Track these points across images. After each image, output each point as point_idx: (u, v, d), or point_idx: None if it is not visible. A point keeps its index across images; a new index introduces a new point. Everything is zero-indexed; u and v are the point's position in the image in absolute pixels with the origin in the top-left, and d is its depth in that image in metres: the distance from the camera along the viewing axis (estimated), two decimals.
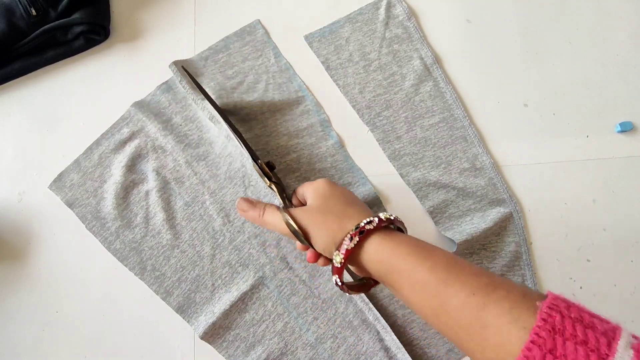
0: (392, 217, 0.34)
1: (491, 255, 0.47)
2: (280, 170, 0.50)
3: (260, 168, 0.43)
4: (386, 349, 0.45)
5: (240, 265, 0.48)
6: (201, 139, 0.52)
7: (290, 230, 0.35)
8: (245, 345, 0.46)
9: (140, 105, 0.53)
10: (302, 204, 0.40)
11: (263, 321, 0.47)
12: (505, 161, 0.50)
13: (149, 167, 0.51)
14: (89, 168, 0.52)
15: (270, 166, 0.44)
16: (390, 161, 0.50)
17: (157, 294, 0.48)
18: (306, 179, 0.50)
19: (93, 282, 0.49)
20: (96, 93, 0.55)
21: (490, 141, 0.51)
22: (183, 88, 0.51)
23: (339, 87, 0.53)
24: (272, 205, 0.39)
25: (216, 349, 0.47)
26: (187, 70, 0.52)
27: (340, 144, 0.51)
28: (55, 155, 0.53)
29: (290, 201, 0.42)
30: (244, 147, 0.45)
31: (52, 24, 0.53)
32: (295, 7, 0.57)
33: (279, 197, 0.41)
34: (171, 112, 0.53)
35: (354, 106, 0.52)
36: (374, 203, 0.50)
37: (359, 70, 0.53)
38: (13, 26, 0.53)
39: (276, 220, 0.37)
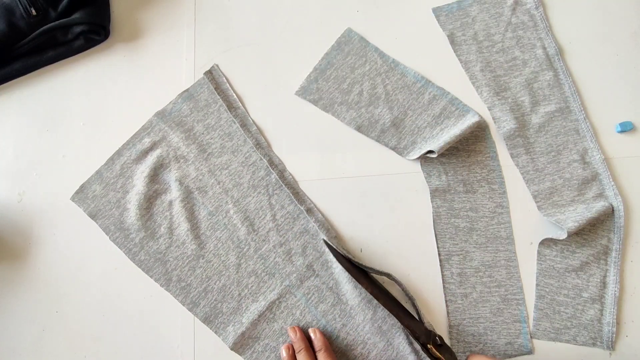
0: None
1: (581, 241, 0.47)
2: (445, 161, 0.50)
3: (430, 353, 0.41)
4: (416, 352, 0.45)
5: (266, 274, 0.48)
6: (223, 147, 0.52)
7: None
8: (275, 355, 0.46)
9: (161, 114, 0.53)
10: None
11: None
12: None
13: (171, 176, 0.51)
14: (111, 179, 0.51)
15: (438, 345, 0.41)
16: (504, 140, 0.51)
17: (184, 305, 0.48)
18: (465, 160, 0.50)
19: (93, 282, 0.49)
20: (96, 93, 0.55)
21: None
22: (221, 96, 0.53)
23: (460, 63, 0.54)
24: None
25: None
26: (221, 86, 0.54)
27: (479, 115, 0.51)
28: (55, 155, 0.53)
29: None
30: (405, 329, 0.43)
31: (52, 24, 0.53)
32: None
33: None
34: (192, 121, 0.53)
35: (473, 83, 0.53)
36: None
37: (482, 49, 0.54)
38: (13, 26, 0.53)
39: None
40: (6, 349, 0.48)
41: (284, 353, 0.44)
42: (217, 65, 0.55)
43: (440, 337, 0.42)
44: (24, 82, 0.56)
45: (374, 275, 0.47)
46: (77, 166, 0.53)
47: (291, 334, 0.45)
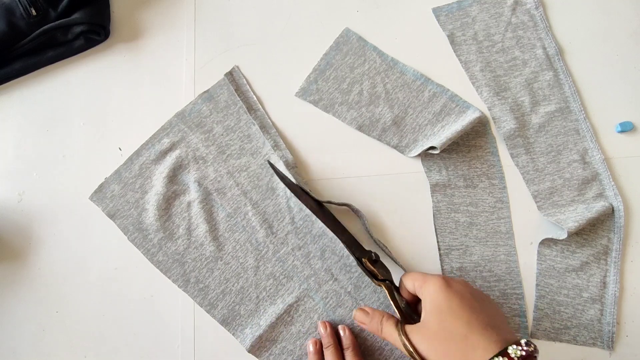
0: (524, 353, 0.31)
1: (581, 241, 0.47)
2: (445, 156, 0.50)
3: (364, 267, 0.42)
4: None
5: (284, 277, 0.48)
6: (242, 149, 0.52)
7: (410, 356, 0.35)
8: (293, 358, 0.46)
9: (181, 115, 0.53)
10: (413, 295, 0.40)
11: (310, 333, 0.46)
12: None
13: (190, 177, 0.51)
14: (129, 179, 0.51)
15: (373, 260, 0.43)
16: (505, 140, 0.51)
17: (201, 307, 0.48)
18: (466, 155, 0.51)
19: (93, 282, 0.49)
20: (96, 93, 0.55)
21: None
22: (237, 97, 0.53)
23: (460, 63, 0.54)
24: (389, 318, 0.39)
25: None
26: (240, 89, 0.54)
27: (479, 110, 0.52)
28: (55, 155, 0.53)
29: (400, 294, 0.42)
30: (345, 245, 0.44)
31: (52, 24, 0.53)
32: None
33: (391, 302, 0.41)
34: (212, 122, 0.53)
35: (473, 83, 0.53)
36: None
37: (482, 49, 0.54)
38: (13, 26, 0.53)
39: (395, 339, 0.37)
40: (6, 349, 0.48)
41: (310, 347, 0.44)
42: (237, 67, 0.55)
43: (376, 254, 0.43)
44: (24, 82, 0.56)
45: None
46: (77, 166, 0.53)
47: (321, 329, 0.45)
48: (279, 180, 0.50)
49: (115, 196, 0.51)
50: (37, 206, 0.52)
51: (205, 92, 0.54)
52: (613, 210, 0.48)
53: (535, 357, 0.32)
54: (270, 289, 0.48)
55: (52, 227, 0.51)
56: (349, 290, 0.47)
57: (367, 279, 0.47)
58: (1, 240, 0.51)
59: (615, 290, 0.46)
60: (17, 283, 0.50)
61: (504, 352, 0.31)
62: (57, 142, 0.54)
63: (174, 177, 0.51)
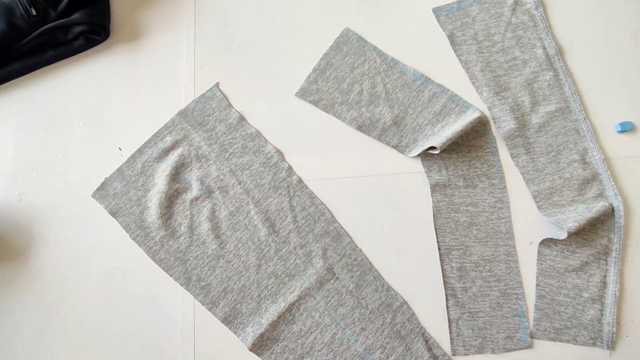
0: None
1: (581, 241, 0.47)
2: (445, 156, 0.50)
3: None
4: (435, 357, 0.45)
5: (286, 276, 0.48)
6: (245, 148, 0.52)
7: None
8: (294, 357, 0.46)
9: (183, 113, 0.53)
10: None
11: (311, 332, 0.46)
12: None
13: (192, 176, 0.51)
14: (132, 177, 0.51)
15: None
16: (505, 140, 0.51)
17: (203, 305, 0.48)
18: (466, 155, 0.51)
19: (93, 282, 0.49)
20: (96, 93, 0.55)
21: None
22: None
23: (460, 62, 0.54)
24: None
25: None
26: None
27: (479, 110, 0.52)
28: (55, 155, 0.53)
29: None
30: None
31: (52, 24, 0.53)
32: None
33: None
34: (215, 120, 0.53)
35: (473, 83, 0.53)
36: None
37: (482, 49, 0.54)
38: (13, 26, 0.53)
39: None
40: (6, 349, 0.48)
41: None
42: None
43: None
44: (24, 82, 0.56)
45: None
46: (77, 166, 0.53)
47: None
48: (282, 179, 0.51)
49: (117, 194, 0.51)
50: (37, 206, 0.52)
51: (209, 90, 0.54)
52: (613, 210, 0.48)
53: None
54: (271, 287, 0.48)
55: (52, 226, 0.51)
56: (351, 289, 0.47)
57: (368, 277, 0.47)
58: (1, 240, 0.51)
59: (615, 290, 0.46)
60: (17, 283, 0.50)
61: None
62: (57, 142, 0.54)
63: (176, 175, 0.51)
